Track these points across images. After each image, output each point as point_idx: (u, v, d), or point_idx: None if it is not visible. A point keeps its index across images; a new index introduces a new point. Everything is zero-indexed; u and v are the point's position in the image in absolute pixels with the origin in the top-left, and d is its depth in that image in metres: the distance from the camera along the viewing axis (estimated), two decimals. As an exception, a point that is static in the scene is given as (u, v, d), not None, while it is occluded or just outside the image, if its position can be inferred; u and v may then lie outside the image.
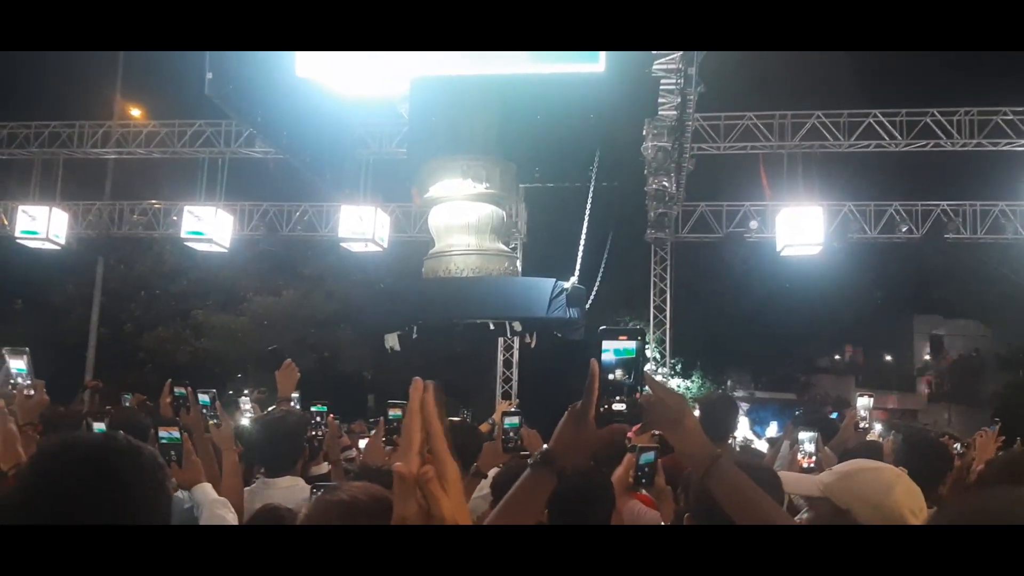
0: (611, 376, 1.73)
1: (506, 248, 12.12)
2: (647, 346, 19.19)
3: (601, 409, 1.72)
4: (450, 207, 11.25)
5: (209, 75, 8.46)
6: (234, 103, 9.36)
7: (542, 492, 1.76)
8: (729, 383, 27.58)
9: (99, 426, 3.65)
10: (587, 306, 11.44)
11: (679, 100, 12.06)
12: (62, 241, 17.37)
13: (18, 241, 17.18)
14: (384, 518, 1.97)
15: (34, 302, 24.56)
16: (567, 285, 10.55)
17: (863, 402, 4.87)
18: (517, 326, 11.16)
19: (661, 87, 11.78)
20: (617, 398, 1.72)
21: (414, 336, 11.31)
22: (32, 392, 3.97)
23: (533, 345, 12.51)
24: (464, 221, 11.21)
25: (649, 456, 3.80)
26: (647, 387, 1.80)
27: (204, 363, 22.88)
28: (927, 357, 35.44)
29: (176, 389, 3.81)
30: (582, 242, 11.41)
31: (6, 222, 17.95)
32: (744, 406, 25.59)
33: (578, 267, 11.13)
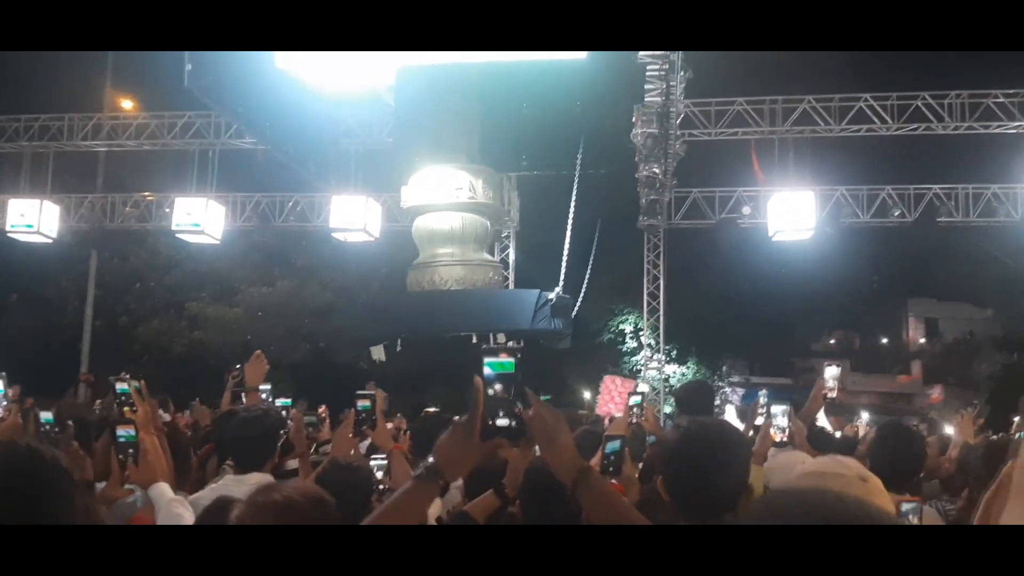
0: (490, 391, 1.81)
1: (490, 257, 12.16)
2: (641, 333, 19.23)
3: (488, 424, 1.79)
4: (433, 216, 11.30)
5: (188, 67, 8.45)
6: (215, 94, 9.35)
7: (424, 502, 1.84)
8: (724, 368, 27.60)
9: (46, 415, 3.61)
10: (573, 315, 11.50)
11: (665, 86, 12.03)
12: (54, 234, 17.33)
13: (9, 235, 17.13)
14: (320, 519, 1.98)
15: (28, 296, 24.55)
16: (551, 296, 10.60)
17: (831, 371, 4.87)
18: (501, 338, 11.23)
19: (647, 73, 11.76)
20: (500, 413, 1.80)
21: (398, 349, 11.42)
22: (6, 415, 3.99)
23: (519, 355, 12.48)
24: (447, 230, 11.26)
25: (615, 445, 3.81)
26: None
27: (199, 355, 22.89)
28: (922, 340, 35.46)
29: (118, 385, 3.71)
30: (567, 245, 11.39)
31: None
32: (739, 391, 25.63)
33: (563, 275, 11.16)
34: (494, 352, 1.84)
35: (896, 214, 16.41)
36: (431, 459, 1.82)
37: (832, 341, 35.64)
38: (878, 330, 37.00)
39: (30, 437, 3.46)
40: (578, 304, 13.04)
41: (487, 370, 1.82)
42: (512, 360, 1.84)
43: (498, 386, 1.81)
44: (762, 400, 5.01)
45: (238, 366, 6.76)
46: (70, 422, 3.52)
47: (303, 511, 1.93)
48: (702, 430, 2.23)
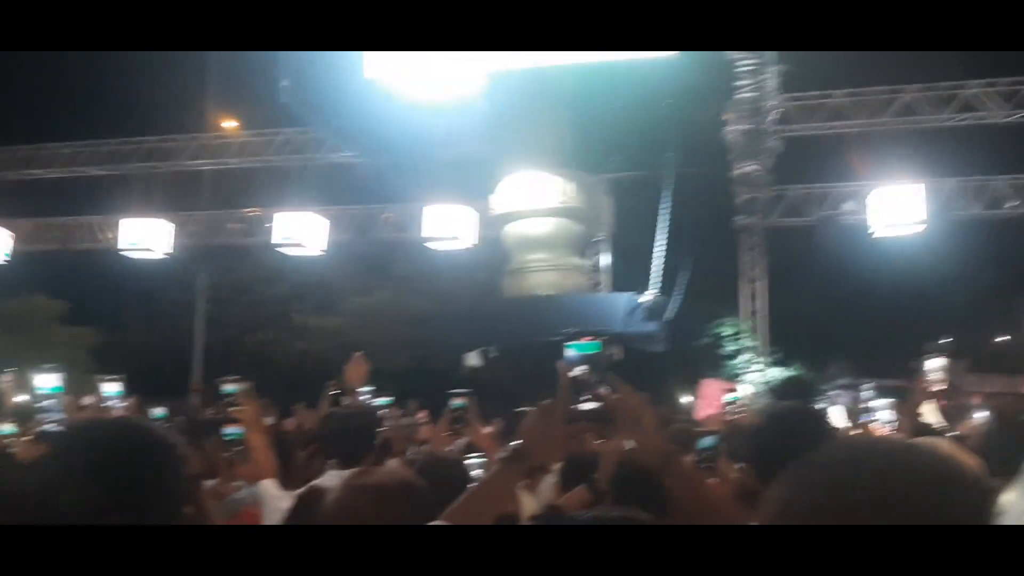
0: (575, 372, 1.81)
1: (583, 262, 12.14)
2: (742, 336, 18.82)
3: (573, 408, 1.80)
4: (524, 223, 11.35)
5: (284, 82, 8.71)
6: (310, 109, 9.61)
7: (510, 484, 1.87)
8: (832, 371, 26.79)
9: (159, 411, 3.78)
10: (668, 317, 11.37)
11: (759, 81, 11.80)
12: (165, 251, 18.14)
13: (123, 253, 18.01)
14: (412, 503, 2.01)
15: (142, 310, 25.75)
16: (644, 299, 10.55)
17: (935, 363, 4.55)
18: None
19: (739, 69, 11.55)
20: (586, 398, 1.79)
21: (493, 355, 11.52)
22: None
23: (619, 358, 12.38)
24: (539, 236, 11.31)
25: (709, 441, 3.78)
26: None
27: (304, 363, 23.52)
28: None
29: (226, 387, 3.82)
30: (660, 246, 11.28)
31: (112, 235, 18.85)
32: (849, 393, 24.75)
33: (657, 277, 11.05)
34: (577, 337, 1.83)
35: (1010, 205, 15.66)
36: (517, 441, 1.83)
37: (949, 340, 34.12)
38: (999, 329, 35.22)
39: None
40: (673, 307, 12.86)
41: (573, 352, 1.80)
42: (598, 342, 1.82)
43: (584, 367, 1.79)
44: (865, 395, 4.84)
45: (330, 381, 6.91)
46: (181, 416, 3.68)
47: (395, 494, 1.97)
48: (783, 411, 2.23)
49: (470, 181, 16.31)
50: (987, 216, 16.11)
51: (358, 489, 1.97)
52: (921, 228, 14.52)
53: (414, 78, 10.29)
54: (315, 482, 3.88)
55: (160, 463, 1.53)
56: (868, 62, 15.85)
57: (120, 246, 17.84)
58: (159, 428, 1.59)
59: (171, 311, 25.02)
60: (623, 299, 10.85)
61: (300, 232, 16.58)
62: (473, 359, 11.63)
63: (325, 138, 16.88)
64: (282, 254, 18.29)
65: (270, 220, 18.05)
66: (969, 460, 2.08)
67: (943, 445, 2.07)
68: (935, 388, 4.49)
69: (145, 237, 17.61)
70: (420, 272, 23.69)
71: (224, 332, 24.54)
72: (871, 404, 4.38)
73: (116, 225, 18.26)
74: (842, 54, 14.35)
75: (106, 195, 19.81)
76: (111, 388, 4.24)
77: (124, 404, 4.36)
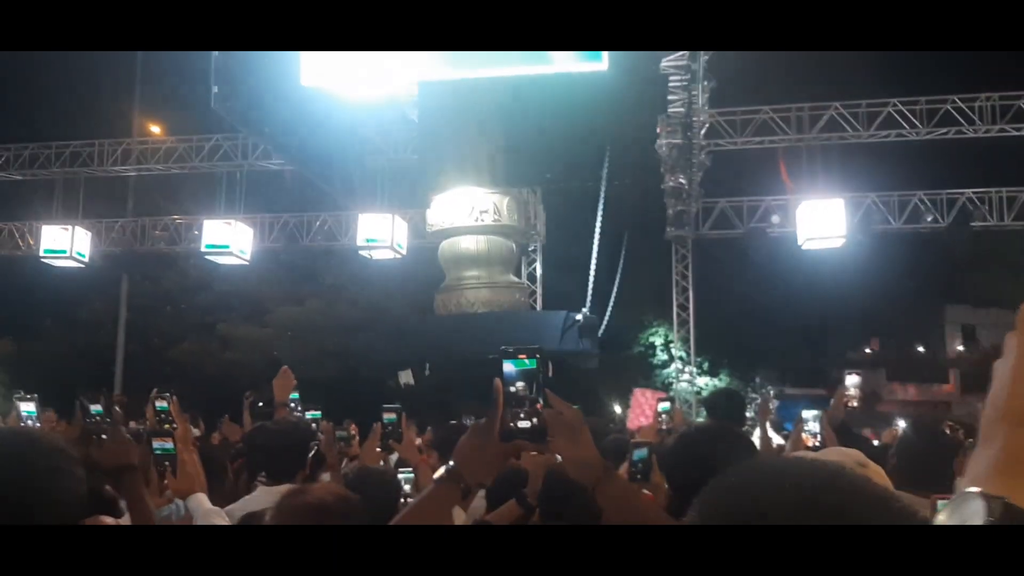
0: (512, 389, 1.78)
1: (516, 279, 12.20)
2: (671, 346, 19.09)
3: (509, 426, 1.76)
4: (458, 240, 11.36)
5: (215, 88, 8.53)
6: (241, 115, 9.43)
7: (445, 505, 1.82)
8: (758, 380, 27.35)
9: (96, 407, 3.68)
10: (600, 333, 11.46)
11: (688, 96, 12.00)
12: (86, 259, 17.62)
13: (43, 260, 17.45)
14: (349, 518, 1.98)
15: (63, 320, 24.93)
16: (578, 316, 10.64)
17: (851, 380, 4.82)
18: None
19: (670, 84, 11.73)
20: (521, 415, 1.77)
21: (427, 373, 11.46)
22: None
23: (550, 375, 12.45)
24: (473, 253, 11.32)
25: (642, 452, 3.79)
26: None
27: (231, 374, 23.05)
28: (960, 348, 34.90)
29: (157, 403, 3.78)
30: (594, 260, 11.36)
31: (32, 242, 18.25)
32: (775, 403, 25.24)
33: (590, 291, 11.16)
34: (513, 354, 1.81)
35: (929, 220, 16.20)
36: (451, 462, 1.81)
37: (868, 350, 35.16)
38: (915, 338, 36.42)
39: (77, 423, 3.58)
40: (605, 321, 12.97)
41: (509, 367, 1.79)
42: (534, 358, 1.81)
43: (520, 384, 1.78)
44: (804, 415, 4.94)
45: (247, 392, 6.78)
46: (117, 408, 3.59)
47: (333, 511, 1.96)
48: (697, 434, 2.21)
49: (402, 190, 16.23)
50: (906, 230, 16.63)
51: (295, 508, 1.95)
52: (841, 241, 14.91)
53: (349, 85, 10.17)
54: (253, 504, 3.80)
55: (42, 472, 1.50)
56: (794, 80, 16.28)
57: (41, 253, 17.26)
58: (46, 437, 1.56)
59: (93, 320, 24.29)
60: (557, 317, 10.92)
61: (229, 240, 16.25)
62: (406, 377, 11.56)
63: (255, 144, 16.63)
64: (210, 262, 17.91)
65: (197, 228, 17.68)
66: (884, 477, 2.11)
67: (862, 463, 2.09)
68: (851, 404, 4.68)
69: (67, 244, 17.07)
70: (351, 281, 23.48)
71: (148, 342, 23.93)
72: (802, 414, 4.49)
73: (37, 231, 17.68)
74: (768, 72, 14.74)
75: (27, 200, 19.18)
76: (27, 407, 4.08)
77: (39, 425, 4.20)
